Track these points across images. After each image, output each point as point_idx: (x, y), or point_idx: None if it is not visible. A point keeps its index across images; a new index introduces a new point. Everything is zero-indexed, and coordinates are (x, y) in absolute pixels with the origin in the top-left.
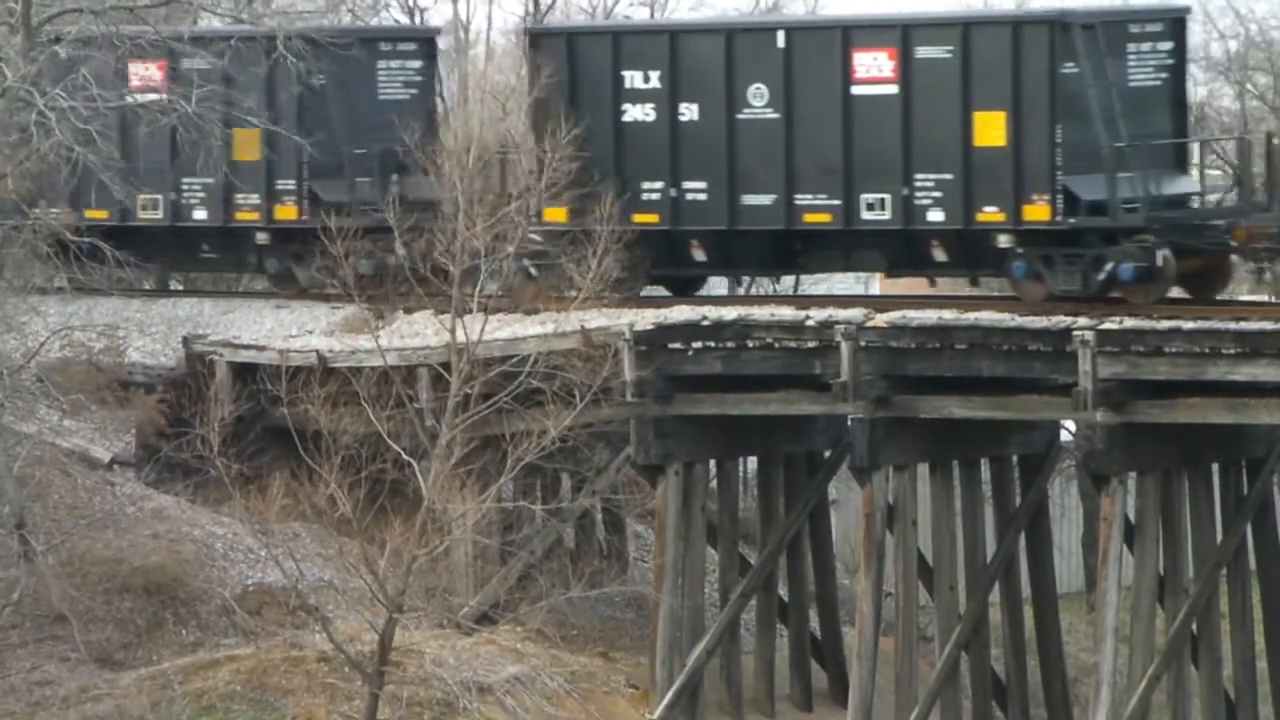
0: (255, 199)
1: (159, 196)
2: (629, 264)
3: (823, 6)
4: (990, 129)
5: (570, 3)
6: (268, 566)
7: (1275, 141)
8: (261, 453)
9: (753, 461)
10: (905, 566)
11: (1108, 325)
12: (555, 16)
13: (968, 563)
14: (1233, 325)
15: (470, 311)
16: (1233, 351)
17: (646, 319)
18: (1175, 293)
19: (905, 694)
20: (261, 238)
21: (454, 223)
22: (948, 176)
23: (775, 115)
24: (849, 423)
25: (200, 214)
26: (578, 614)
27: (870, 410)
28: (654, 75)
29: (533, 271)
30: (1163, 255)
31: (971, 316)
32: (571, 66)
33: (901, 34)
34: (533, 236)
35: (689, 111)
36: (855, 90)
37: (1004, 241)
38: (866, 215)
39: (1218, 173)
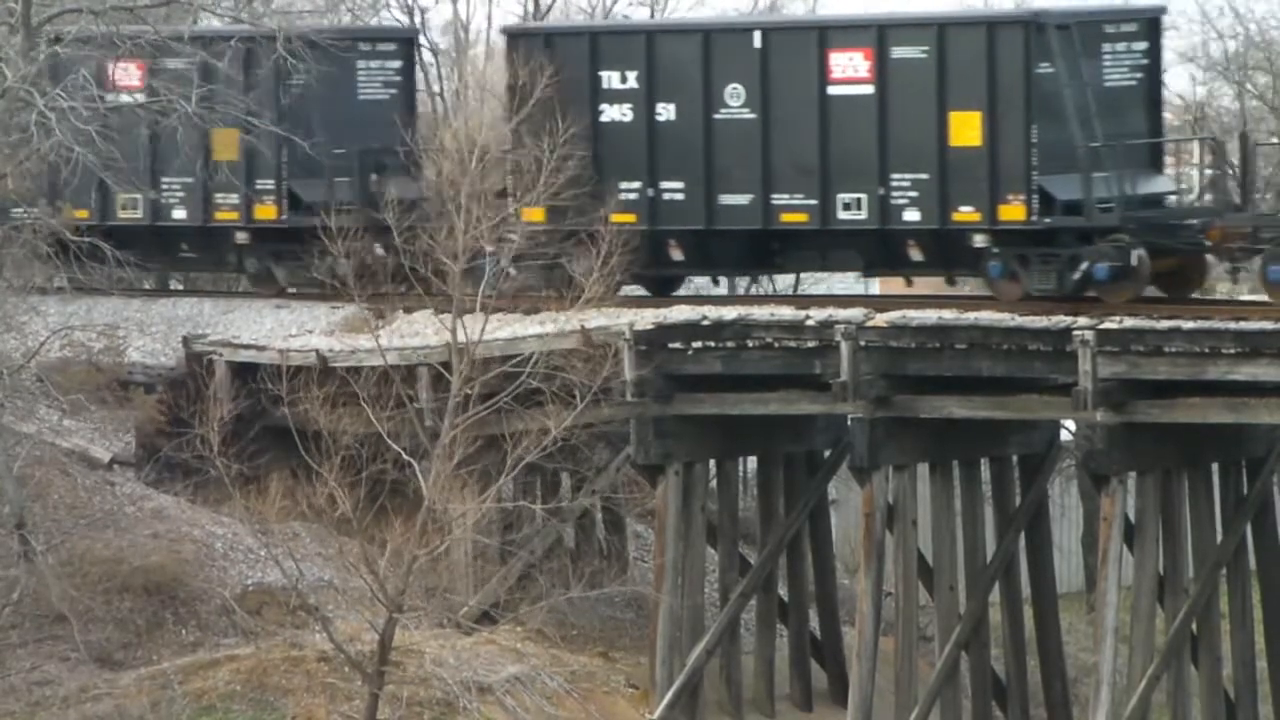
0: (234, 199)
1: (138, 196)
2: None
3: (822, 6)
4: (966, 129)
5: (570, 2)
6: (268, 566)
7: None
8: (261, 453)
9: (753, 461)
10: (905, 566)
11: (1108, 325)
12: (555, 16)
13: (968, 563)
14: (1233, 325)
15: (471, 311)
16: (1233, 351)
17: (646, 319)
18: (1151, 292)
19: (905, 694)
20: (241, 237)
21: (452, 221)
22: (924, 176)
23: (752, 115)
24: (849, 423)
25: (179, 213)
26: (578, 614)
27: (870, 410)
28: (631, 75)
29: (511, 271)
30: (1137, 255)
31: (971, 316)
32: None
33: (877, 34)
34: (510, 236)
35: (666, 112)
36: (831, 90)
37: (980, 241)
38: (843, 215)
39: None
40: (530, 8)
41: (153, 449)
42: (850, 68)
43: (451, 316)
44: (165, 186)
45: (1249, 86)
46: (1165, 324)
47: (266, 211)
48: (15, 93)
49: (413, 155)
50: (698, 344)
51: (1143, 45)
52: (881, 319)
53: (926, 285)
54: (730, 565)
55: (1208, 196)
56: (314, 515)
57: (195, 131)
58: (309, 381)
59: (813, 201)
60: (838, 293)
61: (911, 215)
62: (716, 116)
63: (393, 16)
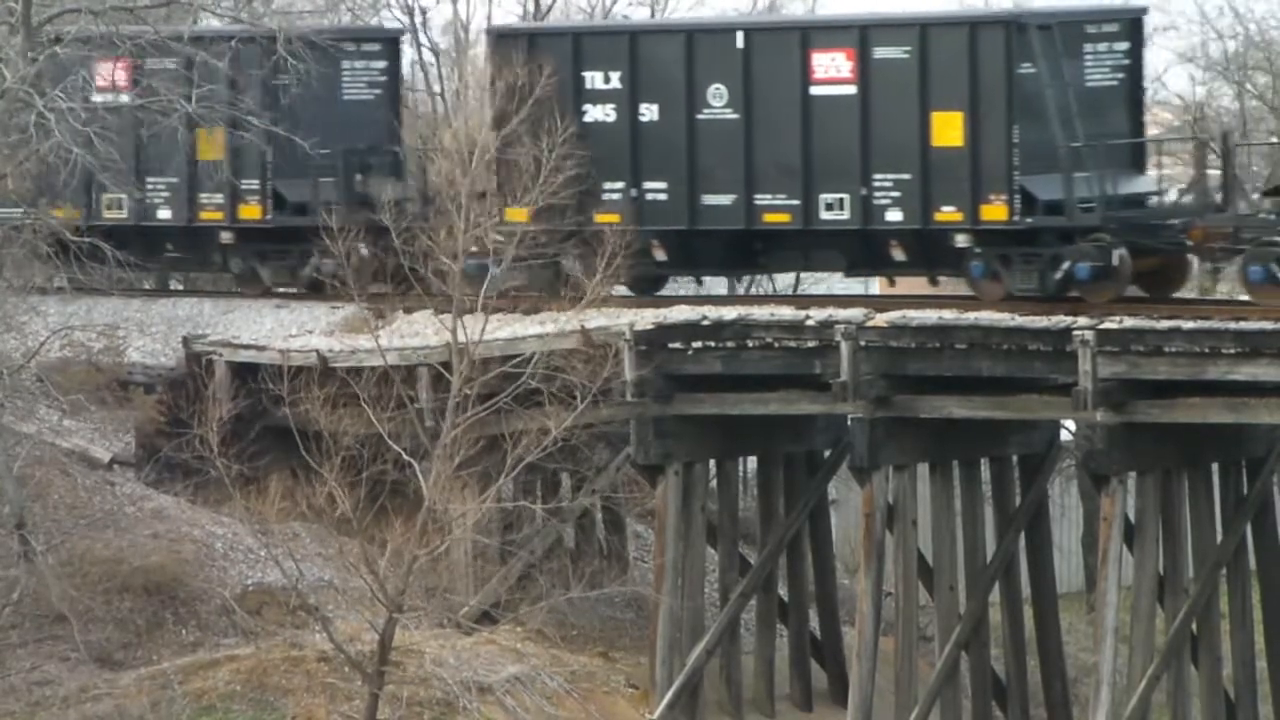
0: (219, 198)
1: (123, 196)
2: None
3: (821, 6)
4: (948, 129)
5: (570, 2)
6: (268, 566)
7: (1233, 142)
8: (262, 453)
9: (753, 461)
10: (905, 566)
11: (1108, 325)
12: (555, 16)
13: (968, 563)
14: (1233, 325)
15: (471, 311)
16: (1233, 351)
17: (646, 319)
18: (1133, 292)
19: (905, 694)
20: (226, 237)
21: (450, 221)
22: (906, 176)
23: (735, 116)
24: (849, 422)
25: (164, 213)
26: (578, 614)
27: (870, 410)
28: (614, 76)
29: (495, 271)
30: (1119, 254)
31: (971, 316)
32: (533, 67)
33: (859, 35)
34: (495, 236)
35: (649, 112)
36: (814, 91)
37: (962, 241)
38: (825, 215)
39: (1216, 172)
40: (530, 8)
41: (153, 449)
42: (833, 68)
43: (452, 316)
44: (150, 186)
45: (1249, 86)
46: (1165, 324)
47: (251, 211)
48: (15, 94)
49: (398, 155)
50: (698, 344)
51: (1124, 45)
52: (881, 319)
53: (912, 285)
54: (730, 565)
55: (1188, 197)
56: (314, 515)
57: (180, 131)
58: (310, 382)
59: (795, 202)
60: (838, 293)
61: (894, 215)
62: (699, 117)
63: (394, 16)
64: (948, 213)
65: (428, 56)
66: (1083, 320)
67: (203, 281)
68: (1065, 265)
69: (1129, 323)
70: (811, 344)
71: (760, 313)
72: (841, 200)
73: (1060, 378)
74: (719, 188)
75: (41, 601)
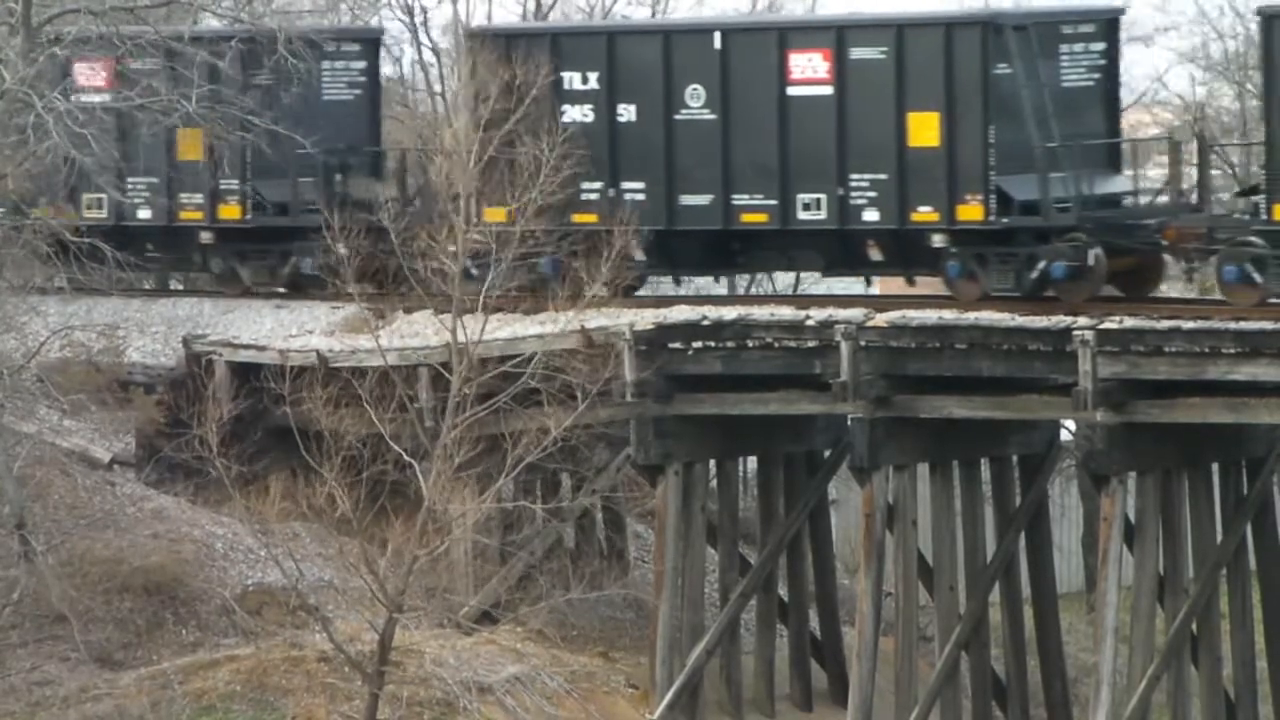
0: (199, 198)
1: (103, 196)
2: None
3: (821, 6)
4: (924, 129)
5: (569, 3)
6: (268, 566)
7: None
8: (262, 453)
9: (753, 461)
10: (905, 566)
11: (1108, 325)
12: (555, 16)
13: (968, 563)
14: (1233, 325)
15: (471, 311)
16: (1233, 351)
17: (646, 319)
18: (1108, 291)
19: (905, 694)
20: (205, 237)
21: (449, 222)
22: (882, 177)
23: (712, 116)
24: (849, 422)
25: (145, 213)
26: (578, 614)
27: (870, 410)
28: (592, 76)
29: (474, 272)
30: (1094, 254)
31: (971, 316)
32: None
33: (836, 35)
34: (474, 236)
35: (627, 112)
36: (791, 91)
37: (938, 241)
38: (803, 215)
39: (1217, 172)
40: (530, 8)
41: (153, 449)
42: (810, 68)
43: (452, 316)
44: (130, 186)
45: (1249, 86)
46: (1165, 324)
47: (231, 211)
48: (14, 94)
49: (378, 155)
50: (698, 344)
51: (1100, 46)
52: (881, 319)
53: (891, 285)
54: (730, 565)
55: (1163, 197)
56: (314, 515)
57: (160, 131)
58: (310, 382)
59: (773, 202)
60: (838, 293)
61: (871, 215)
62: (677, 117)
63: (394, 15)
64: (924, 213)
65: (428, 56)
66: (1083, 320)
67: (203, 281)
68: (1041, 265)
69: (1129, 323)
70: (811, 344)
71: (760, 313)
72: (818, 200)
73: (1060, 378)
74: (697, 188)
75: (41, 601)
